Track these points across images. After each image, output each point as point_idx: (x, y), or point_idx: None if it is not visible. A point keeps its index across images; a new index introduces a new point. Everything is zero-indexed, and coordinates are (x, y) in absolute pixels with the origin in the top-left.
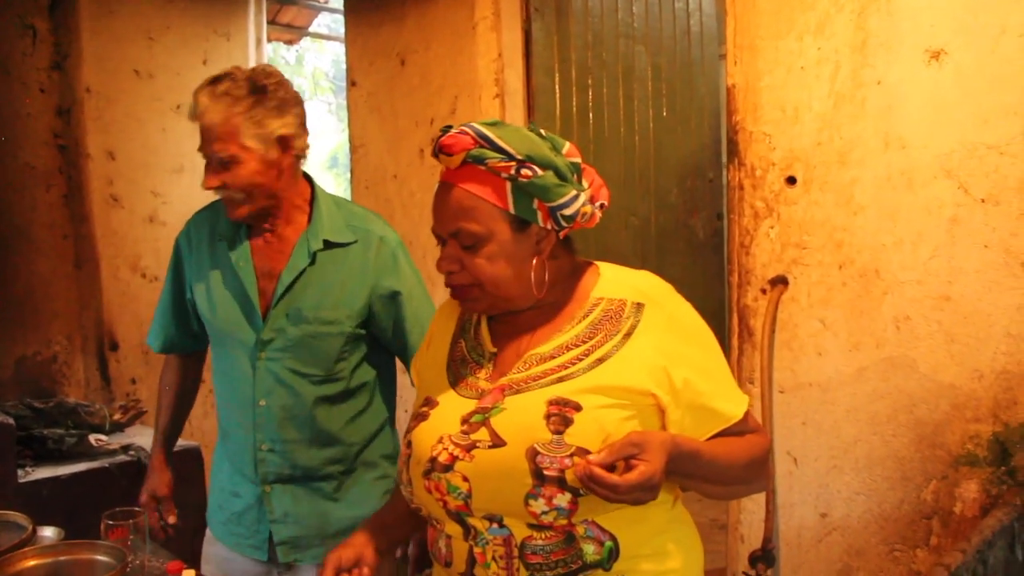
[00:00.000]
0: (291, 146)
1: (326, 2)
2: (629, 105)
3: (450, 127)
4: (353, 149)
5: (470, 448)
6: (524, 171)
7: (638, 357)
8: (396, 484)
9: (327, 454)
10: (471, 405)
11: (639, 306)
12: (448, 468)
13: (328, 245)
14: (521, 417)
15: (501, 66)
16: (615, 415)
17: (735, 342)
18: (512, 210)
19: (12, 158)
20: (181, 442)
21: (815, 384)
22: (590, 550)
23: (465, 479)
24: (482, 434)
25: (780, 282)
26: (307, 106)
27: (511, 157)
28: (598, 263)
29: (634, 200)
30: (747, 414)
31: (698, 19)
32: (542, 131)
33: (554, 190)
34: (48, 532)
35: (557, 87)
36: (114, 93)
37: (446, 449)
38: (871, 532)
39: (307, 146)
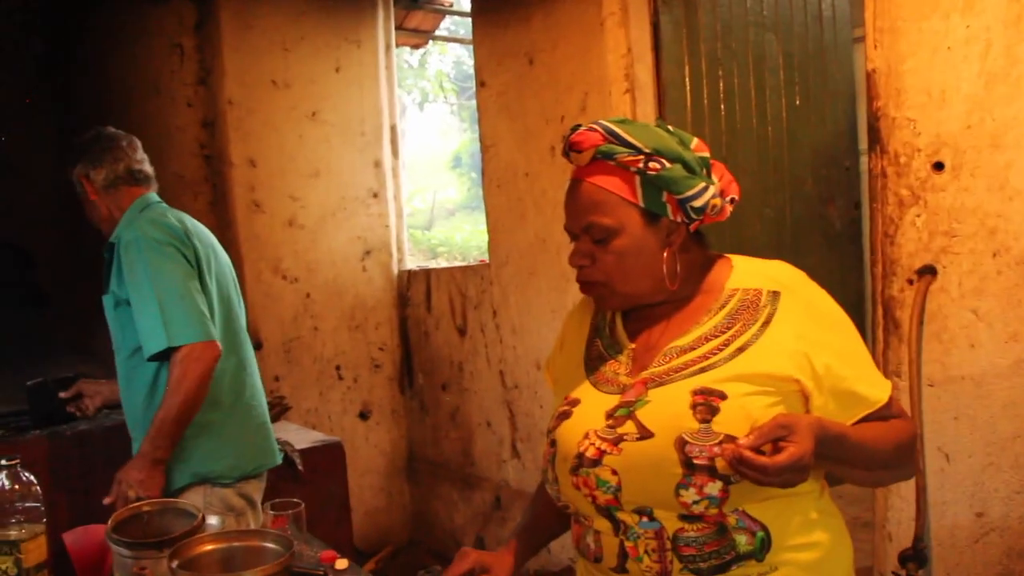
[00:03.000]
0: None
1: (451, 5)
2: (761, 95)
3: (579, 125)
4: (484, 149)
5: (617, 441)
6: (652, 164)
7: (778, 344)
8: (537, 489)
9: None
10: (614, 400)
11: (775, 294)
12: (596, 463)
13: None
14: (667, 408)
15: (630, 61)
16: (761, 402)
17: (880, 334)
18: (642, 203)
19: (163, 169)
20: (323, 436)
21: (968, 377)
22: (742, 540)
23: (614, 472)
24: (629, 427)
25: (928, 272)
26: (431, 108)
27: (639, 151)
28: (730, 256)
29: (768, 191)
30: (891, 399)
31: (830, 3)
32: (670, 127)
33: (683, 182)
34: (213, 520)
35: (687, 80)
36: (254, 103)
37: (593, 444)
38: None
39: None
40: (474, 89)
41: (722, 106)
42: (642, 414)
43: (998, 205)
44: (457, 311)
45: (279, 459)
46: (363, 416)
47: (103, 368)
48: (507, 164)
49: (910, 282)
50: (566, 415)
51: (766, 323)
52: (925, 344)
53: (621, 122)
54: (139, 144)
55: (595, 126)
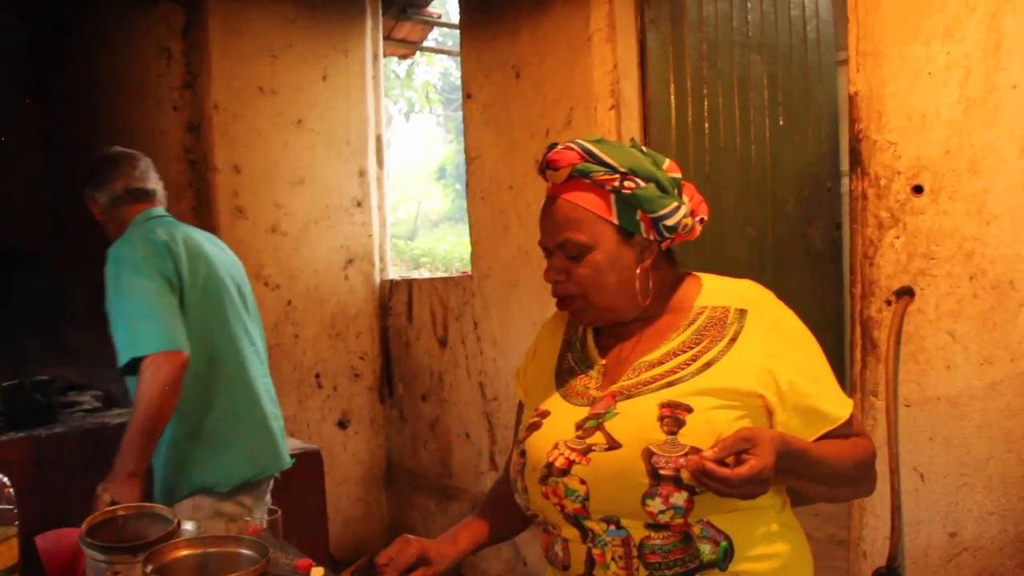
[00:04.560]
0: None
1: (439, 17)
2: (745, 114)
3: (556, 144)
4: (469, 161)
5: (586, 452)
6: (627, 183)
7: (744, 360)
8: (493, 487)
9: None
10: (584, 412)
11: (742, 312)
12: (565, 472)
13: None
14: (635, 420)
15: (616, 77)
16: (726, 415)
17: (858, 354)
18: (616, 221)
19: None
20: (301, 444)
21: (943, 398)
22: (706, 550)
23: (583, 482)
24: (597, 438)
25: (906, 293)
26: (417, 118)
27: (615, 170)
28: (699, 274)
29: (750, 210)
30: (852, 417)
31: (815, 25)
32: (643, 147)
33: (656, 201)
34: (188, 526)
35: (673, 97)
36: (240, 109)
37: (562, 454)
38: (1006, 555)
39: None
40: (460, 101)
41: (706, 125)
42: (610, 425)
43: (975, 229)
44: (438, 322)
45: (284, 465)
46: (342, 425)
47: (80, 371)
48: (492, 176)
49: (888, 303)
50: (536, 426)
51: (732, 340)
52: (902, 365)
53: (597, 142)
54: (142, 162)
55: (572, 145)
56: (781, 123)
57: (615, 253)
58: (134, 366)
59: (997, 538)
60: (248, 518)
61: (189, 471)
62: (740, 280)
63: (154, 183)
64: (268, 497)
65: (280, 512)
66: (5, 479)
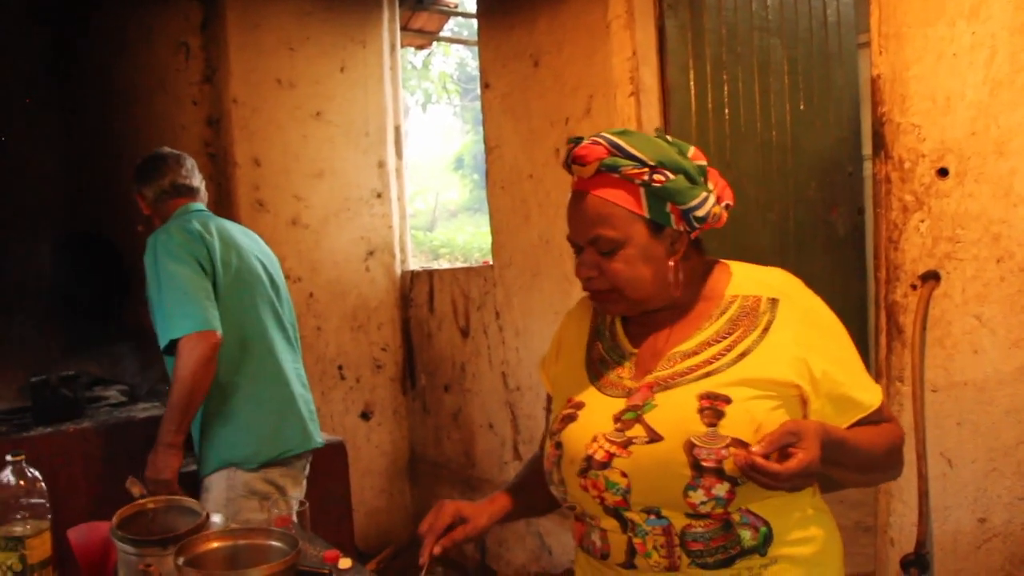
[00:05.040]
0: None
1: (456, 7)
2: (765, 99)
3: (580, 138)
4: (488, 150)
5: (626, 444)
6: (657, 176)
7: (779, 350)
8: (529, 462)
9: None
10: (620, 403)
11: (774, 301)
12: (605, 465)
13: None
14: (674, 412)
15: (635, 64)
16: (764, 405)
17: (883, 340)
18: (647, 214)
19: None
20: (325, 436)
21: (971, 383)
22: (747, 536)
23: (624, 475)
24: (637, 430)
25: (932, 277)
26: (434, 109)
27: (643, 163)
28: (727, 262)
29: (772, 196)
30: (882, 404)
31: (835, 8)
32: (668, 136)
33: (686, 193)
34: (216, 518)
35: (692, 83)
36: (258, 103)
37: (601, 447)
38: None
39: None
40: (477, 91)
41: (726, 110)
42: (650, 417)
43: (1002, 211)
44: (460, 312)
45: (313, 444)
46: (365, 416)
47: (103, 366)
48: (511, 166)
49: (913, 287)
50: (571, 418)
51: (766, 329)
52: (928, 350)
53: (623, 134)
54: (188, 161)
55: (599, 139)
56: (802, 107)
57: (647, 247)
58: (172, 347)
59: None
60: (281, 499)
61: (218, 447)
62: (769, 268)
63: (198, 181)
64: (304, 481)
65: (308, 504)
66: (37, 474)
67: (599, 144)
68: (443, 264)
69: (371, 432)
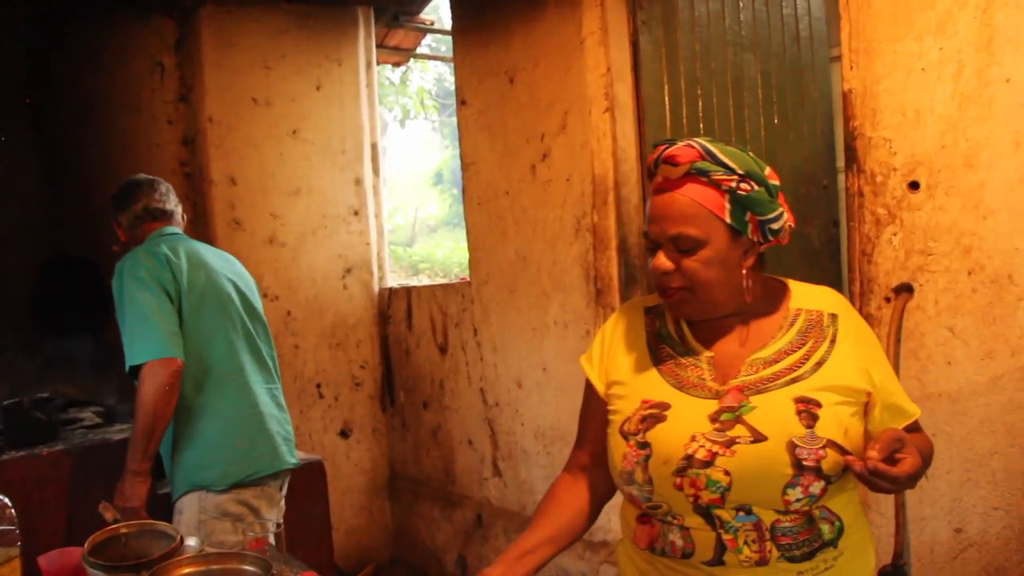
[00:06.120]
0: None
1: (432, 24)
2: (740, 114)
3: (673, 140)
4: (465, 167)
5: (730, 444)
6: (743, 185)
7: (847, 360)
8: (543, 504)
9: None
10: (712, 405)
11: (834, 316)
12: (708, 464)
13: None
14: (774, 413)
15: (610, 80)
16: (847, 411)
17: None
18: (728, 220)
19: None
20: (304, 455)
21: (944, 394)
22: (826, 529)
23: (726, 473)
24: (739, 430)
25: (905, 290)
26: (413, 124)
27: (732, 171)
28: (782, 278)
29: None
30: None
31: (807, 23)
32: (750, 152)
33: (767, 205)
34: (191, 542)
35: (667, 99)
36: (234, 121)
37: (702, 446)
38: (1012, 549)
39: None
40: (455, 106)
41: (701, 125)
42: (751, 419)
43: (972, 224)
44: (438, 329)
45: (284, 465)
46: (344, 434)
47: (77, 387)
48: (488, 182)
49: (887, 300)
50: (658, 418)
51: (832, 341)
52: (902, 361)
53: (713, 142)
54: (162, 185)
55: (692, 144)
56: (776, 121)
57: (724, 250)
58: (136, 372)
59: (1002, 533)
60: (257, 521)
61: (187, 469)
62: (821, 287)
63: (172, 205)
64: (282, 501)
65: (283, 526)
66: (6, 500)
67: (693, 148)
68: (423, 280)
69: (350, 450)
